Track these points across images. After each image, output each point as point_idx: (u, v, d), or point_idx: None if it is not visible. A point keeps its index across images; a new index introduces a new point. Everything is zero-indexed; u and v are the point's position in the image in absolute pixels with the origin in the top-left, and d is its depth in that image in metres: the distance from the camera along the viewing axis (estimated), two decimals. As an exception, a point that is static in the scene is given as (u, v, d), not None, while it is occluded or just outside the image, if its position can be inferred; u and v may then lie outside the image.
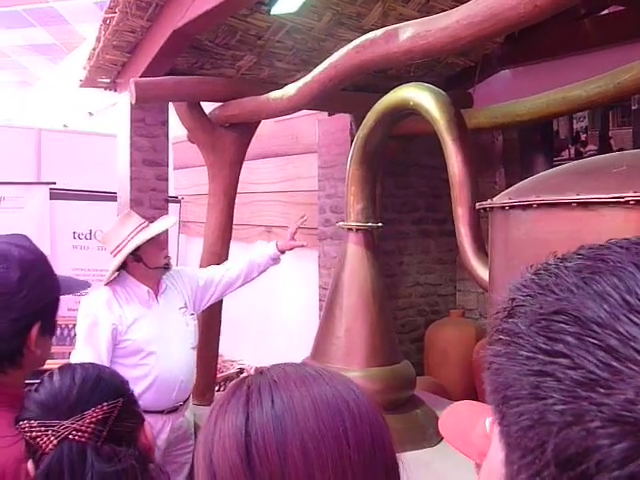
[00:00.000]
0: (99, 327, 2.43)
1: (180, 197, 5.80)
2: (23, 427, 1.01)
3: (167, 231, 2.74)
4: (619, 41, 3.10)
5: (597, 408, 0.33)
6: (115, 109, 3.75)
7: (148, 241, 2.52)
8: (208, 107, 3.50)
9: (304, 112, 3.57)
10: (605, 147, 3.40)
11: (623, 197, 1.36)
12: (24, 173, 5.48)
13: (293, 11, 2.93)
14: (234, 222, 3.62)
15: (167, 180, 3.57)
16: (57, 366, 1.12)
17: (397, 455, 0.70)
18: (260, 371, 0.72)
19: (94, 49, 3.25)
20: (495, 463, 0.43)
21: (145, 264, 2.54)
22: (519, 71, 3.83)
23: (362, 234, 2.73)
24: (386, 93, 2.60)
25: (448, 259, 4.36)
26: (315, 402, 0.66)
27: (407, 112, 2.60)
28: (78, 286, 1.40)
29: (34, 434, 0.99)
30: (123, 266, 2.56)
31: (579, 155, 3.53)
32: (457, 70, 3.85)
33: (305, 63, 3.31)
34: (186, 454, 2.69)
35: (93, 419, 1.00)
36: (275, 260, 2.94)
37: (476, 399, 2.77)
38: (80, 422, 0.99)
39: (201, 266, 3.46)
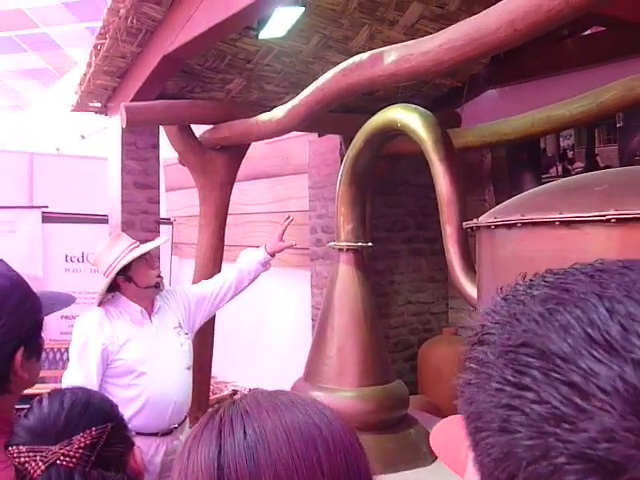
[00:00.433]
0: (89, 347, 2.43)
1: (172, 219, 5.81)
2: (12, 452, 1.01)
3: (158, 250, 2.72)
4: (601, 61, 3.16)
5: (563, 445, 0.34)
6: (107, 132, 3.77)
7: (138, 260, 2.52)
8: (199, 130, 3.53)
9: (294, 133, 3.60)
10: (592, 164, 3.44)
11: (604, 215, 1.38)
12: (16, 197, 5.49)
13: (281, 35, 2.97)
14: (226, 243, 3.64)
15: (158, 203, 3.59)
16: (47, 391, 1.12)
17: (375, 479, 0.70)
18: (233, 401, 0.71)
19: (85, 74, 3.29)
20: None
21: (136, 283, 2.54)
22: (505, 90, 3.89)
23: (352, 254, 2.74)
24: (374, 114, 2.63)
25: (439, 277, 4.38)
26: (288, 431, 0.66)
27: (395, 133, 2.64)
28: (62, 302, 1.38)
29: (22, 459, 1.00)
30: (117, 287, 2.56)
31: (567, 172, 3.57)
32: (444, 91, 3.90)
33: (294, 86, 3.36)
34: None
35: (81, 444, 1.00)
36: (265, 265, 2.92)
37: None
38: (68, 447, 1.00)
39: (193, 288, 3.47)
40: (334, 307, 2.72)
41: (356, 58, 2.12)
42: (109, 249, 2.58)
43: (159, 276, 2.63)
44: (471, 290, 2.08)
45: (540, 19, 1.41)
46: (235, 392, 4.82)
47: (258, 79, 3.40)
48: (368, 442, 2.40)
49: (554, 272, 0.45)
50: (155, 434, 2.50)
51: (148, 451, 2.44)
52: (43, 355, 1.25)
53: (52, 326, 4.88)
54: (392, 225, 4.21)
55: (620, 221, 1.37)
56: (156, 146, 3.57)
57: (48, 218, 5.19)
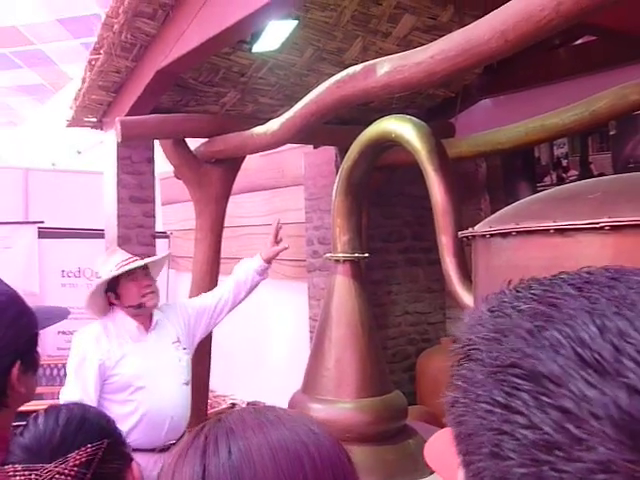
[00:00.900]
0: (87, 363, 2.42)
1: (169, 232, 5.81)
2: (8, 471, 1.00)
3: (149, 271, 2.63)
4: (592, 70, 3.18)
5: (558, 475, 0.33)
6: (102, 147, 3.78)
7: (126, 278, 2.50)
8: (194, 143, 3.54)
9: (290, 146, 3.62)
10: (586, 172, 3.46)
11: (598, 223, 1.39)
12: (12, 213, 5.49)
13: (275, 48, 2.99)
14: (222, 256, 3.63)
15: (154, 217, 3.59)
16: (44, 407, 1.12)
17: None
18: (218, 418, 0.70)
19: (80, 89, 3.30)
20: None
21: (121, 302, 2.53)
22: (499, 100, 3.91)
23: (349, 265, 2.74)
24: (369, 125, 2.64)
25: (437, 287, 4.38)
26: (273, 449, 0.64)
27: (390, 144, 2.64)
28: (56, 316, 1.39)
29: (18, 478, 0.99)
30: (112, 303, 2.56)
31: (561, 180, 3.59)
32: (438, 101, 3.92)
33: (288, 98, 3.37)
34: None
35: (77, 462, 1.00)
36: (262, 273, 2.90)
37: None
38: (63, 465, 0.99)
39: (190, 301, 3.46)
40: (331, 318, 2.71)
41: (349, 70, 2.13)
42: (103, 264, 2.58)
43: (146, 294, 2.55)
44: (468, 299, 2.08)
45: (531, 29, 1.42)
46: (233, 405, 4.80)
47: (252, 92, 3.41)
48: (367, 453, 2.39)
49: (540, 282, 0.43)
50: (152, 450, 2.47)
51: (145, 468, 2.42)
52: (40, 371, 1.25)
53: (49, 342, 4.86)
54: (388, 236, 4.21)
55: (614, 228, 1.37)
56: (151, 160, 3.57)
57: (44, 233, 5.19)
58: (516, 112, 3.31)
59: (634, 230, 1.33)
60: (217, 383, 4.71)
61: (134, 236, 3.44)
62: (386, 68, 1.89)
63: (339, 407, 2.55)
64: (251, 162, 4.07)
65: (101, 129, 3.63)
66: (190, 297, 3.48)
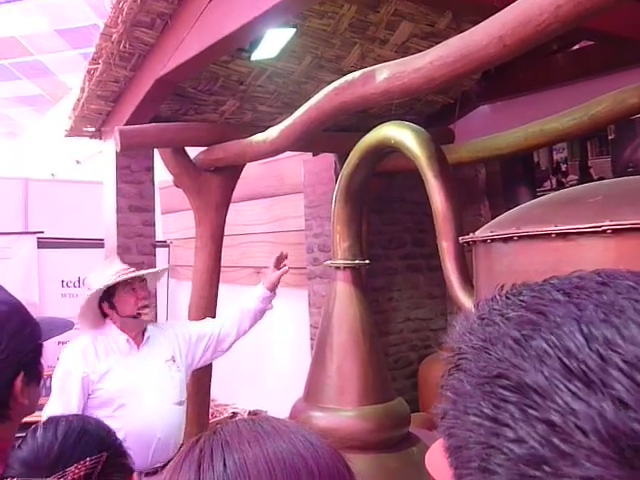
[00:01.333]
0: (71, 377, 2.36)
1: (169, 241, 5.81)
2: None
3: (146, 281, 2.60)
4: (591, 74, 3.19)
5: None
6: (102, 157, 3.78)
7: (124, 288, 2.45)
8: (193, 152, 3.54)
9: (289, 153, 3.61)
10: (586, 176, 3.46)
11: (600, 226, 1.38)
12: (11, 223, 5.48)
13: (273, 56, 3.00)
14: (223, 264, 3.63)
15: (154, 225, 3.58)
16: (37, 419, 1.11)
17: None
18: (214, 430, 0.68)
19: (79, 99, 3.30)
20: None
21: (117, 312, 2.47)
22: (497, 106, 3.92)
23: (350, 272, 2.73)
24: (368, 132, 2.64)
25: (438, 293, 4.37)
26: (269, 462, 0.62)
27: (389, 150, 2.64)
28: (60, 327, 1.38)
29: None
30: (105, 314, 2.50)
31: (561, 185, 3.59)
32: (437, 107, 3.93)
33: (287, 106, 3.37)
34: None
35: (75, 476, 0.98)
36: (266, 301, 2.83)
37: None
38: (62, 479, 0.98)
39: (190, 310, 3.45)
40: (332, 326, 2.70)
41: (348, 77, 2.13)
42: (100, 274, 2.52)
43: (142, 307, 2.51)
44: (469, 305, 2.07)
45: (529, 34, 1.42)
46: (235, 414, 4.78)
47: (251, 100, 3.42)
48: (369, 462, 2.38)
49: (531, 287, 0.43)
50: (139, 473, 2.30)
51: None
52: (41, 382, 1.24)
53: (49, 352, 4.83)
54: (389, 242, 4.21)
55: (616, 232, 1.37)
56: (150, 169, 3.57)
57: (43, 243, 5.18)
58: (515, 117, 3.31)
59: (636, 233, 1.33)
60: (218, 392, 4.69)
61: (134, 245, 3.43)
62: (385, 74, 1.89)
63: (341, 415, 2.54)
64: (251, 170, 4.07)
65: (100, 139, 3.63)
66: (190, 306, 3.47)
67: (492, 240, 1.66)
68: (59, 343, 4.97)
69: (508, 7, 1.47)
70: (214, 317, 3.08)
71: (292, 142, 2.68)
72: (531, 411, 0.34)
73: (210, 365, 3.48)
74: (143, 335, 2.53)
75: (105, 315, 2.51)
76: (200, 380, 3.35)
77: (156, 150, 3.60)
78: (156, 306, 3.36)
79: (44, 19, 6.66)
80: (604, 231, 1.37)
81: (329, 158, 4.02)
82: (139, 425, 2.34)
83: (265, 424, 0.68)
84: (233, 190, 3.61)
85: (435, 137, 2.46)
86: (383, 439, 2.50)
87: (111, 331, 2.49)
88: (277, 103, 3.47)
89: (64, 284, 5.28)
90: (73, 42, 7.10)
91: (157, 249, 3.70)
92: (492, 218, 2.13)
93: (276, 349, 5.03)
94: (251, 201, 5.06)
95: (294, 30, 2.87)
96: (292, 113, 2.58)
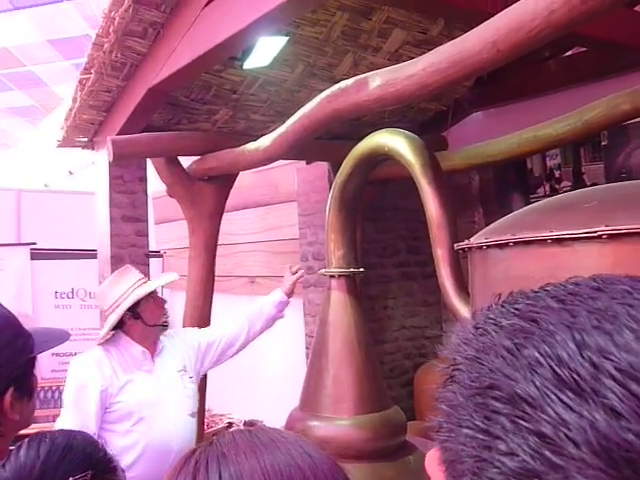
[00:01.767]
0: (87, 391, 2.28)
1: (162, 251, 5.78)
2: None
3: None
4: (583, 80, 3.20)
5: None
6: (95, 167, 3.77)
7: (148, 297, 2.40)
8: (186, 161, 3.53)
9: (282, 161, 3.61)
10: (579, 183, 3.46)
11: (596, 232, 1.38)
12: (4, 234, 5.45)
13: (265, 65, 2.99)
14: (217, 274, 3.61)
15: (147, 235, 3.56)
16: (36, 431, 1.08)
17: None
18: (210, 441, 0.67)
19: (71, 109, 3.29)
20: None
21: (144, 322, 2.40)
22: (490, 112, 3.92)
23: (344, 280, 2.72)
24: (361, 140, 2.64)
25: (433, 301, 4.36)
26: (266, 475, 0.61)
27: (382, 157, 2.64)
28: (56, 339, 1.33)
29: None
30: (119, 325, 2.42)
31: (554, 192, 3.59)
32: (430, 115, 3.93)
33: (280, 114, 3.37)
34: None
35: None
36: (280, 307, 2.79)
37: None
38: None
39: (184, 320, 3.43)
40: (328, 334, 2.69)
41: (341, 84, 2.12)
42: (115, 284, 2.44)
43: (166, 314, 2.52)
44: (465, 312, 2.06)
45: (522, 39, 1.42)
46: (230, 425, 4.74)
47: (244, 109, 3.41)
48: (366, 471, 2.35)
49: (526, 295, 0.42)
50: None
51: None
52: (34, 395, 1.21)
53: (43, 364, 4.81)
54: (383, 250, 4.20)
55: (611, 237, 1.36)
56: (143, 179, 3.56)
57: (36, 255, 5.15)
58: (507, 124, 3.32)
59: (632, 238, 1.32)
60: (214, 402, 4.66)
61: (127, 255, 3.41)
62: (378, 81, 1.89)
63: (337, 424, 2.52)
64: (244, 179, 4.06)
65: (92, 149, 3.62)
66: (184, 316, 3.45)
67: (487, 246, 1.65)
68: (53, 355, 4.95)
69: (501, 13, 1.47)
70: (208, 326, 3.05)
71: (285, 150, 2.67)
72: (523, 423, 0.33)
73: (205, 375, 3.45)
74: (155, 346, 2.48)
75: (121, 325, 2.43)
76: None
77: (149, 160, 3.59)
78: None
79: (36, 30, 6.66)
80: (600, 236, 1.37)
81: (322, 166, 4.02)
82: (158, 438, 2.31)
83: (262, 435, 0.67)
84: (226, 199, 3.60)
85: (428, 144, 2.46)
86: (379, 448, 2.48)
87: (124, 343, 2.42)
88: (270, 111, 3.47)
89: (57, 295, 5.25)
90: (65, 52, 7.10)
91: (150, 259, 3.68)
92: (486, 225, 2.13)
93: (271, 358, 5.00)
94: (245, 210, 5.05)
95: (286, 38, 2.87)
96: (285, 121, 2.58)
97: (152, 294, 2.45)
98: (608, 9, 1.33)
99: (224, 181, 3.52)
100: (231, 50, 2.66)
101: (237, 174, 3.58)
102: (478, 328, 0.41)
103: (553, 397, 0.33)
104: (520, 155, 3.01)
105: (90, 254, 4.41)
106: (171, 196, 3.69)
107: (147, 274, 3.40)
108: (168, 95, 3.06)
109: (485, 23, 1.52)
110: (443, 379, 0.41)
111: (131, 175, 3.48)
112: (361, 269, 2.80)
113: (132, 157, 3.29)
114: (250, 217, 5.09)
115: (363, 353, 2.66)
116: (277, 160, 3.00)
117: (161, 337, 2.52)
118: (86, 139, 3.57)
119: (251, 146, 2.89)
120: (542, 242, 1.47)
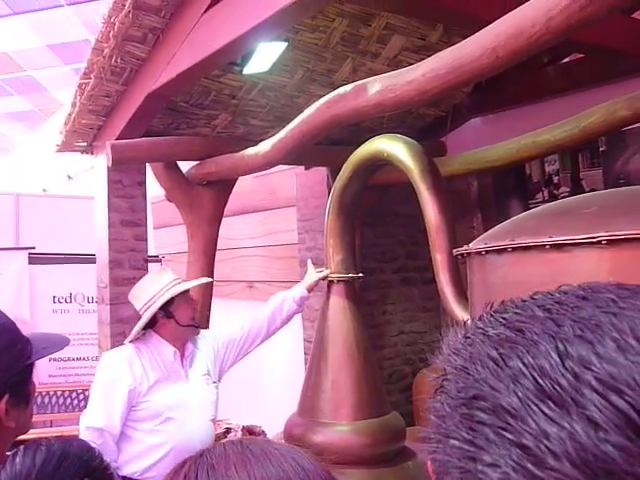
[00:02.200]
0: (116, 388, 2.28)
1: (161, 256, 5.78)
2: None
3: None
4: (581, 86, 3.21)
5: None
6: (93, 172, 3.76)
7: (181, 297, 2.41)
8: (185, 166, 3.53)
9: (281, 167, 3.61)
10: (577, 188, 3.47)
11: (595, 237, 1.38)
12: (2, 239, 5.45)
13: (265, 70, 3.00)
14: (216, 279, 3.60)
15: (146, 240, 3.56)
16: (35, 436, 1.07)
17: None
18: (200, 453, 0.66)
19: (70, 114, 3.29)
20: None
21: (177, 321, 2.40)
22: (489, 118, 3.93)
23: (343, 285, 2.72)
24: (360, 145, 2.64)
25: (432, 306, 4.36)
26: None
27: (381, 163, 2.64)
28: (55, 345, 1.32)
29: None
30: (151, 324, 2.41)
31: (553, 197, 3.59)
32: (429, 120, 3.94)
33: (279, 120, 3.38)
34: None
35: None
36: (301, 303, 2.79)
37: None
38: None
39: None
40: (326, 340, 2.68)
41: (340, 90, 2.13)
42: (150, 283, 2.45)
43: (196, 316, 2.52)
44: (464, 317, 2.06)
45: (521, 45, 1.43)
46: (229, 430, 4.72)
47: (243, 114, 3.42)
48: (365, 477, 2.34)
49: (515, 304, 0.42)
50: None
51: None
52: (31, 402, 1.20)
53: (40, 369, 4.80)
54: (382, 255, 4.20)
55: (611, 242, 1.36)
56: (143, 183, 3.55)
57: (35, 259, 5.14)
58: (506, 130, 3.33)
59: (631, 244, 1.33)
60: (211, 408, 4.64)
61: (126, 260, 3.41)
62: (377, 87, 1.89)
63: (336, 430, 2.52)
64: (243, 184, 4.07)
65: (91, 153, 3.62)
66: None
67: (486, 252, 1.65)
68: (50, 360, 4.93)
69: (500, 19, 1.48)
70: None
71: (284, 156, 2.68)
72: (506, 434, 0.33)
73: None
74: (184, 348, 2.47)
75: (153, 324, 2.42)
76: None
77: (148, 164, 3.59)
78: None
79: (36, 35, 6.67)
80: (599, 242, 1.37)
81: (321, 172, 4.02)
82: (183, 440, 2.32)
83: (254, 447, 0.65)
84: (225, 204, 3.60)
85: (427, 150, 2.46)
86: (378, 453, 2.48)
87: (155, 341, 2.42)
88: (269, 117, 3.48)
89: (55, 300, 5.24)
90: (65, 57, 7.11)
91: (149, 264, 3.67)
92: (485, 230, 2.13)
93: (270, 363, 4.99)
94: (244, 215, 5.05)
95: (286, 44, 2.87)
96: (284, 127, 2.58)
97: (185, 295, 2.45)
98: (606, 16, 1.34)
99: (223, 186, 3.53)
100: (230, 55, 2.66)
101: (236, 179, 3.58)
102: (467, 338, 0.41)
103: (535, 408, 0.32)
104: (519, 161, 3.02)
105: (88, 259, 4.41)
106: (170, 201, 3.69)
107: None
108: (167, 100, 3.06)
109: (484, 29, 1.52)
110: (435, 387, 0.42)
111: (130, 180, 3.48)
112: (360, 274, 2.80)
113: (131, 162, 3.29)
114: (249, 222, 5.08)
115: (362, 358, 2.65)
116: (276, 165, 3.01)
117: (189, 340, 2.50)
118: (85, 144, 3.57)
119: (250, 151, 2.89)
120: (541, 248, 1.47)
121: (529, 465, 0.31)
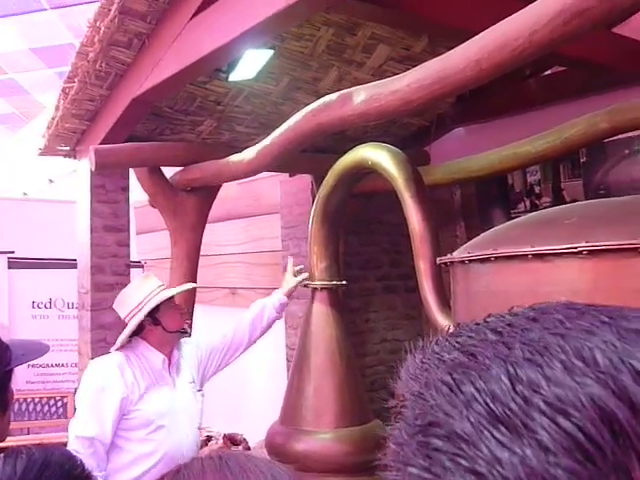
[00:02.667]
0: (107, 395, 2.23)
1: (143, 262, 5.74)
2: None
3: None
4: (563, 99, 3.26)
5: None
6: (75, 176, 3.73)
7: (167, 303, 2.39)
8: (170, 172, 3.52)
9: (266, 174, 3.61)
10: (559, 199, 3.51)
11: (577, 247, 1.40)
12: (-19, 243, 5.38)
13: (251, 77, 3.01)
14: (198, 285, 3.59)
15: (128, 246, 3.53)
16: (13, 444, 1.05)
17: None
18: (177, 470, 0.64)
19: (53, 118, 3.26)
20: None
21: (164, 327, 2.38)
22: (472, 128, 3.97)
23: (327, 293, 2.73)
24: (345, 154, 2.66)
25: (414, 314, 4.37)
26: None
27: (366, 171, 2.66)
28: (34, 352, 1.30)
29: None
30: (137, 331, 2.38)
31: (535, 207, 3.64)
32: (413, 130, 3.97)
33: (264, 127, 3.38)
34: None
35: None
36: (280, 310, 2.80)
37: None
38: None
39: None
40: (309, 347, 2.69)
41: (326, 98, 2.14)
42: (137, 289, 2.43)
43: (185, 321, 2.50)
44: (446, 325, 2.07)
45: (505, 58, 1.45)
46: (209, 438, 4.69)
47: (229, 120, 3.42)
48: (348, 485, 2.30)
49: (469, 327, 0.42)
50: None
51: None
52: (8, 410, 1.19)
53: (18, 375, 4.73)
54: (366, 263, 4.21)
55: (591, 253, 1.38)
56: (126, 188, 3.53)
57: (14, 263, 5.09)
58: (489, 140, 3.36)
59: (611, 255, 1.35)
60: (192, 415, 4.61)
61: (107, 266, 3.38)
62: (362, 96, 1.91)
63: (318, 438, 2.51)
64: (227, 190, 4.06)
65: (74, 158, 3.59)
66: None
67: (470, 261, 1.67)
68: (28, 366, 4.87)
69: (485, 32, 1.50)
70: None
71: (269, 163, 2.68)
72: (460, 460, 0.33)
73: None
74: (171, 355, 2.45)
75: (139, 330, 2.40)
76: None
77: (132, 169, 3.57)
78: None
79: (19, 38, 6.61)
80: (580, 252, 1.39)
81: (306, 179, 4.03)
82: (173, 448, 2.30)
83: (232, 463, 0.64)
84: (209, 210, 3.59)
85: (411, 159, 2.48)
86: (360, 462, 2.48)
87: (143, 349, 2.39)
88: (254, 124, 3.48)
89: (35, 305, 5.18)
90: (49, 61, 7.06)
91: (131, 269, 3.65)
92: (468, 239, 2.15)
93: (252, 370, 4.97)
94: (227, 221, 5.03)
95: (272, 52, 2.88)
96: (269, 134, 2.58)
97: (171, 301, 2.44)
98: (588, 30, 1.37)
99: (207, 192, 3.52)
100: (217, 62, 2.66)
101: (220, 185, 3.58)
102: (423, 363, 0.41)
103: (487, 434, 0.32)
104: (501, 171, 3.06)
105: (69, 264, 4.36)
106: (153, 206, 3.67)
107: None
108: (152, 105, 3.06)
109: (469, 41, 1.54)
110: (394, 413, 0.41)
111: (113, 184, 3.45)
112: (343, 282, 2.81)
113: (114, 166, 3.27)
114: (233, 228, 5.07)
115: (345, 366, 2.66)
116: (261, 172, 3.01)
117: (175, 347, 2.49)
118: (68, 148, 3.54)
119: (235, 158, 2.89)
120: (523, 257, 1.49)
121: None
